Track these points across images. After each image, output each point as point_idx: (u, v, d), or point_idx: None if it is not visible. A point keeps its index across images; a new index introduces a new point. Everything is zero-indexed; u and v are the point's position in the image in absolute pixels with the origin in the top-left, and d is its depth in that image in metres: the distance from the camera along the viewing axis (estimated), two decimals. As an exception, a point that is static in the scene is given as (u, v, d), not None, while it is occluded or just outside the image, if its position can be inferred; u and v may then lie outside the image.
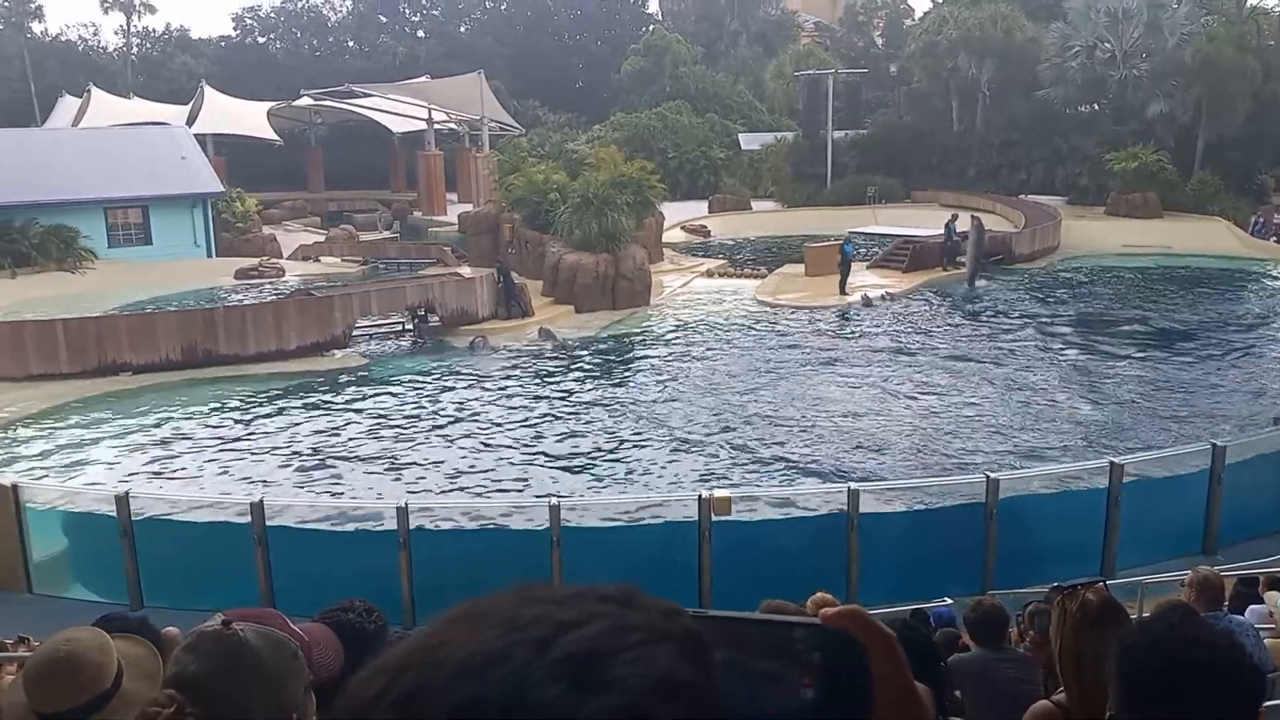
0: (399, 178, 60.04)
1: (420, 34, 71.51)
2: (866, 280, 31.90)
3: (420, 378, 23.18)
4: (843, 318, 28.48)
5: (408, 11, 73.31)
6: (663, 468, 17.15)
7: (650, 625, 0.64)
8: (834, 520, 11.61)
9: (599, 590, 0.67)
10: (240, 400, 21.39)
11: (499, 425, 19.50)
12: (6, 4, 65.21)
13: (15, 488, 12.45)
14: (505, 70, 63.34)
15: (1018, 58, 47.44)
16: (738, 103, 60.07)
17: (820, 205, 46.71)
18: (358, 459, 17.70)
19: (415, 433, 19.23)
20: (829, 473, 16.35)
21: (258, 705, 1.83)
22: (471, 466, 17.34)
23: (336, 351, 24.73)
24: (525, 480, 16.64)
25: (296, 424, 19.80)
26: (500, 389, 22.08)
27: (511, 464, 17.39)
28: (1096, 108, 48.80)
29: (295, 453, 18.12)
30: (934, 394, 20.94)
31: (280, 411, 20.73)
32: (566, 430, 19.21)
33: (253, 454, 18.10)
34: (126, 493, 12.01)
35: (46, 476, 16.29)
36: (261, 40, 70.72)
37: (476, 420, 19.92)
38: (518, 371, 23.64)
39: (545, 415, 20.13)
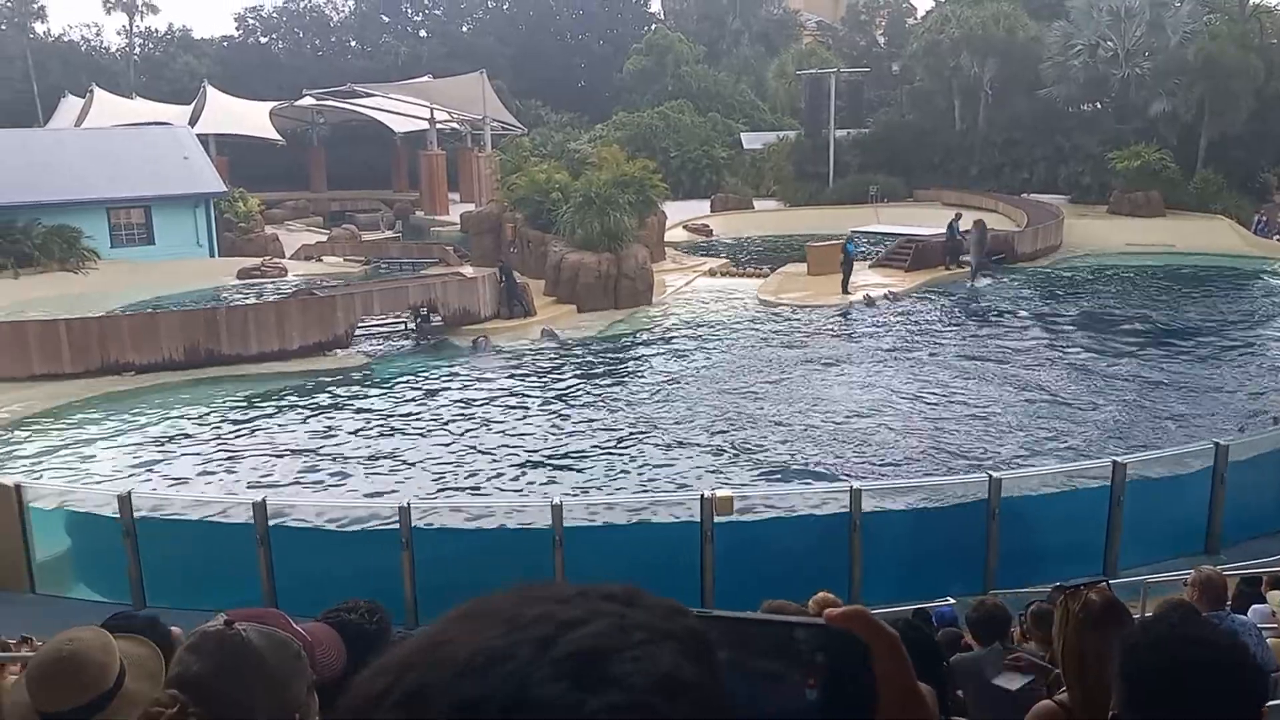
0: (401, 177, 60.06)
1: (422, 34, 71.51)
2: (869, 279, 31.86)
3: (422, 377, 23.18)
4: (845, 317, 28.45)
5: (410, 11, 73.33)
6: (664, 467, 17.13)
7: (653, 624, 0.64)
8: (836, 520, 11.58)
9: (602, 589, 0.67)
10: (242, 400, 21.40)
11: (501, 425, 19.50)
12: (9, 4, 65.26)
13: (18, 487, 12.46)
14: (507, 70, 63.37)
15: (1020, 56, 47.38)
16: (740, 102, 60.03)
17: (822, 204, 46.64)
18: (360, 458, 17.70)
19: (417, 432, 19.22)
20: (831, 472, 16.35)
21: (260, 705, 1.84)
22: (473, 466, 17.34)
23: (339, 351, 24.72)
24: (527, 480, 16.65)
25: (299, 424, 19.82)
26: (502, 388, 22.09)
27: (513, 464, 17.38)
28: (1099, 106, 48.73)
29: (297, 452, 18.12)
30: (936, 393, 20.93)
31: (282, 411, 20.75)
32: (568, 430, 19.20)
33: (255, 454, 18.11)
34: (129, 493, 12.01)
35: (49, 476, 16.29)
36: (264, 40, 70.77)
37: (478, 420, 19.92)
38: (520, 371, 23.65)
39: (547, 415, 20.14)
